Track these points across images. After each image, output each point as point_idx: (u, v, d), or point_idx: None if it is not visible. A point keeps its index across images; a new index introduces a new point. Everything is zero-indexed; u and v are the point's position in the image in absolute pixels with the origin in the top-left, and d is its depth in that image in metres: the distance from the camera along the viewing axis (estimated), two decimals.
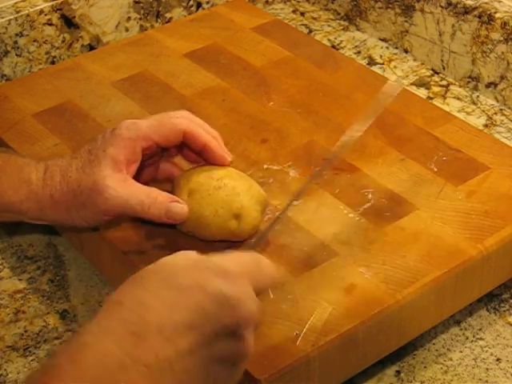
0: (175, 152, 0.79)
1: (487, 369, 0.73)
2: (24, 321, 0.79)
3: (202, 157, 0.76)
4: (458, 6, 1.04)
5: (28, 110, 0.94)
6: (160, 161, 0.79)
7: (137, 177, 0.75)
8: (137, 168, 0.74)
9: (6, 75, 1.07)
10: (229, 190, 0.74)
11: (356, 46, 1.16)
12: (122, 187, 0.72)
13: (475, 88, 1.06)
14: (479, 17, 1.02)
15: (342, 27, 1.20)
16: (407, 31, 1.12)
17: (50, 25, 1.08)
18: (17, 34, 1.06)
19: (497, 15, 1.00)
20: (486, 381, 0.72)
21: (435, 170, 0.83)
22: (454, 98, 1.05)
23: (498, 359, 0.74)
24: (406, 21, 1.11)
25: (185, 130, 0.74)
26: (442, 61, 1.09)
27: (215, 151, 0.75)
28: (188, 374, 0.47)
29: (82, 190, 0.72)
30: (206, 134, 0.75)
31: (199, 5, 1.19)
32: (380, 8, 1.14)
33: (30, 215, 0.76)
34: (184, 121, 0.75)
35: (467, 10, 1.03)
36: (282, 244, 0.75)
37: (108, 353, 0.46)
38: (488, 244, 0.75)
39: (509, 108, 1.03)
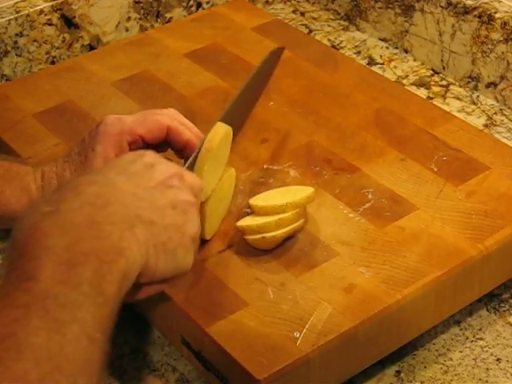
0: (164, 150, 0.79)
1: (487, 369, 0.73)
2: None
3: (184, 155, 0.77)
4: (458, 6, 1.04)
5: (28, 109, 0.94)
6: None
7: None
8: None
9: (6, 75, 1.07)
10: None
11: (356, 46, 1.16)
12: None
13: (475, 88, 1.06)
14: (479, 17, 1.02)
15: (341, 27, 1.20)
16: (407, 31, 1.12)
17: (50, 25, 1.08)
18: (17, 34, 1.06)
19: (497, 15, 1.00)
20: (486, 381, 0.72)
21: (435, 169, 0.83)
22: (454, 97, 1.05)
23: (498, 359, 0.74)
24: (406, 21, 1.11)
25: (169, 125, 0.75)
26: (442, 61, 1.09)
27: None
28: (140, 213, 0.59)
29: None
30: (189, 132, 0.76)
31: (199, 5, 1.19)
32: (380, 8, 1.14)
33: None
34: (168, 117, 0.76)
35: (467, 10, 1.03)
36: (282, 244, 0.75)
37: (83, 210, 0.57)
38: (488, 244, 0.75)
39: (509, 108, 1.03)
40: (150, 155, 0.65)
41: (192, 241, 0.64)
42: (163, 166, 0.64)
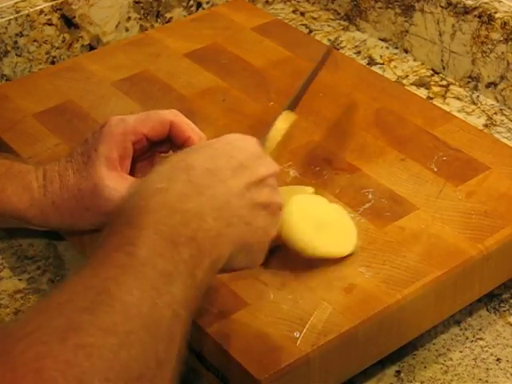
0: (167, 148, 0.79)
1: (487, 369, 0.73)
2: None
3: None
4: (458, 6, 1.04)
5: (28, 109, 0.94)
6: (153, 157, 0.79)
7: (131, 174, 0.75)
8: (130, 164, 0.75)
9: (6, 75, 1.07)
10: None
11: (356, 46, 1.16)
12: (121, 184, 0.72)
13: (475, 88, 1.06)
14: (479, 17, 1.02)
15: (341, 27, 1.20)
16: (407, 31, 1.12)
17: (50, 25, 1.08)
18: (17, 34, 1.06)
19: (497, 15, 1.00)
20: (486, 381, 0.72)
21: (435, 169, 0.83)
22: (454, 97, 1.05)
23: (498, 359, 0.74)
24: (406, 21, 1.11)
25: (172, 120, 0.75)
26: (442, 61, 1.09)
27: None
28: (240, 212, 0.60)
29: (83, 194, 0.73)
30: (192, 130, 0.76)
31: (199, 5, 1.19)
32: (380, 8, 1.14)
33: (34, 222, 0.77)
34: (170, 113, 0.76)
35: (467, 10, 1.03)
36: (282, 244, 0.75)
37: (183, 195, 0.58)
38: (488, 244, 0.75)
39: (509, 108, 1.03)
40: (257, 143, 0.66)
41: (270, 242, 0.65)
42: (269, 160, 0.65)
